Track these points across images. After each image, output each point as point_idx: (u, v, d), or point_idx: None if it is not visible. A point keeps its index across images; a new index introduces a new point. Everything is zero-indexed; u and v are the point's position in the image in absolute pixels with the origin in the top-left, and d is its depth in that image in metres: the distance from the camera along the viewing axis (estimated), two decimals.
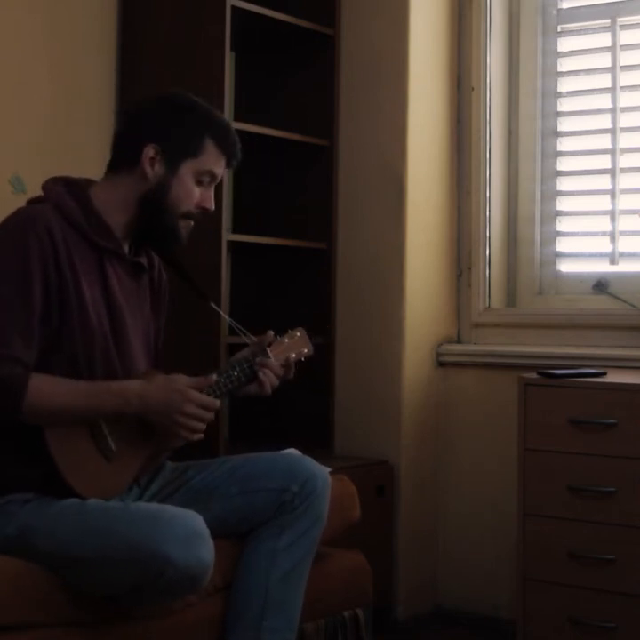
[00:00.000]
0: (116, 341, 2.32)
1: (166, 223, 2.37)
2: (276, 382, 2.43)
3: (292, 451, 2.56)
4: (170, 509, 2.15)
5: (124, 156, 2.39)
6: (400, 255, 3.47)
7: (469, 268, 3.61)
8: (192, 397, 2.25)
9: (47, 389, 2.17)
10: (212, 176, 2.40)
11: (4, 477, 2.21)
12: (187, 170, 2.36)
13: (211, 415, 2.28)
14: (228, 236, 3.23)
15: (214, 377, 2.32)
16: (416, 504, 3.50)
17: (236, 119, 3.38)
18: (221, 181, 3.14)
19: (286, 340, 2.50)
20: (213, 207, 2.43)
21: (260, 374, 2.40)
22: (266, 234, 3.44)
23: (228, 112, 3.21)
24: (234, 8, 3.21)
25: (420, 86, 3.50)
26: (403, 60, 3.48)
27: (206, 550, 2.11)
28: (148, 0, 3.39)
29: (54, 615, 2.12)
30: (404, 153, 3.47)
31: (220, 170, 2.41)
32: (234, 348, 3.44)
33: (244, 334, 2.47)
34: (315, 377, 3.56)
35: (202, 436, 2.29)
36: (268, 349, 2.43)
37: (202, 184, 2.39)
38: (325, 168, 3.58)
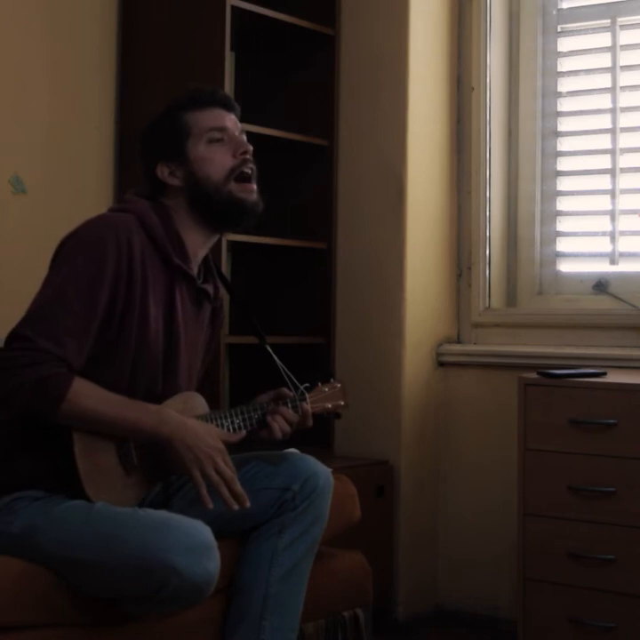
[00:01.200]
0: (165, 361, 2.32)
1: (221, 199, 2.35)
2: (288, 429, 2.42)
3: (293, 451, 2.56)
4: (178, 519, 2.13)
5: (155, 187, 2.40)
6: (400, 255, 3.47)
7: (469, 268, 3.61)
8: (226, 453, 2.25)
9: (87, 394, 2.16)
10: (220, 129, 2.37)
11: (20, 472, 2.20)
12: (194, 148, 2.35)
13: (223, 488, 2.23)
14: (227, 236, 3.23)
15: (244, 433, 2.35)
16: (416, 504, 3.50)
17: None
18: None
19: (326, 390, 2.53)
20: (249, 147, 2.38)
21: (269, 418, 2.40)
22: (266, 234, 3.44)
23: None
24: (234, 8, 3.22)
25: (420, 86, 3.50)
26: (403, 60, 3.48)
27: (213, 562, 2.10)
28: (147, 0, 3.39)
29: (55, 615, 2.12)
30: (404, 153, 3.47)
31: (222, 119, 2.38)
32: (233, 348, 3.45)
33: (289, 377, 2.47)
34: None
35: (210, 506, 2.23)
36: (308, 394, 2.46)
37: (220, 141, 2.36)
38: (325, 168, 3.58)
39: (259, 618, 2.31)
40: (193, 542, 2.07)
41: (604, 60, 3.52)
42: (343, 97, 3.59)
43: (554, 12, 3.63)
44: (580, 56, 3.60)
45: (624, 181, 3.47)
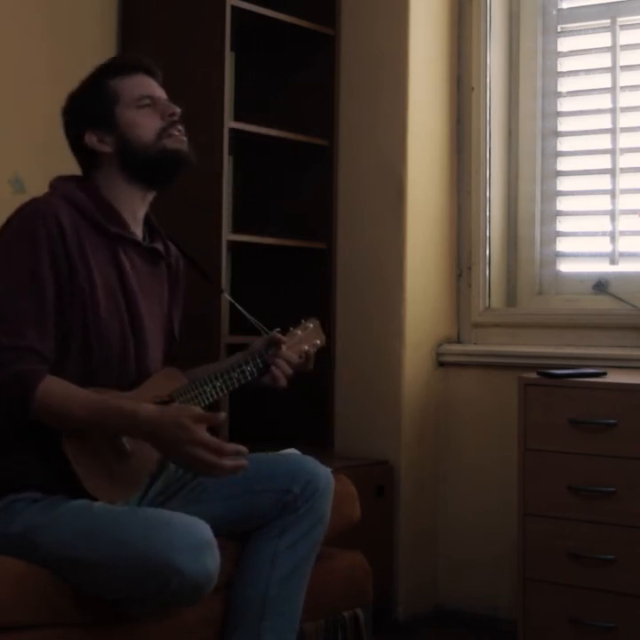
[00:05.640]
0: (132, 328, 2.32)
1: (155, 155, 2.36)
2: (290, 373, 2.45)
3: (293, 451, 2.56)
4: (177, 517, 2.12)
5: (84, 158, 2.43)
6: (400, 255, 3.47)
7: (469, 268, 3.61)
8: (197, 439, 2.12)
9: (57, 394, 2.14)
10: (149, 96, 2.39)
11: (15, 475, 2.19)
12: (123, 114, 2.37)
13: (217, 460, 2.13)
14: (228, 235, 3.24)
15: (223, 415, 2.24)
16: (416, 504, 3.50)
17: (236, 119, 3.38)
18: (218, 177, 3.16)
19: (299, 333, 2.52)
20: (177, 109, 2.40)
21: (273, 368, 2.42)
22: (266, 234, 3.44)
23: (228, 112, 3.21)
24: (234, 8, 3.22)
25: (419, 86, 3.50)
26: (403, 60, 3.48)
27: (213, 560, 2.09)
28: (147, 0, 3.39)
29: (55, 615, 2.12)
30: (404, 153, 3.47)
31: (150, 86, 2.41)
32: (233, 348, 3.44)
33: (259, 326, 2.48)
34: (315, 377, 3.56)
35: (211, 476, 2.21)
36: (283, 344, 2.45)
37: (148, 106, 2.39)
38: (325, 168, 3.58)
39: (258, 619, 2.30)
40: (192, 541, 2.06)
41: (604, 60, 3.52)
42: (343, 97, 3.59)
43: (554, 12, 3.63)
44: (580, 56, 3.60)
45: (624, 181, 3.47)
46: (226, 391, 2.39)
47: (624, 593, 2.81)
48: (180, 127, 2.40)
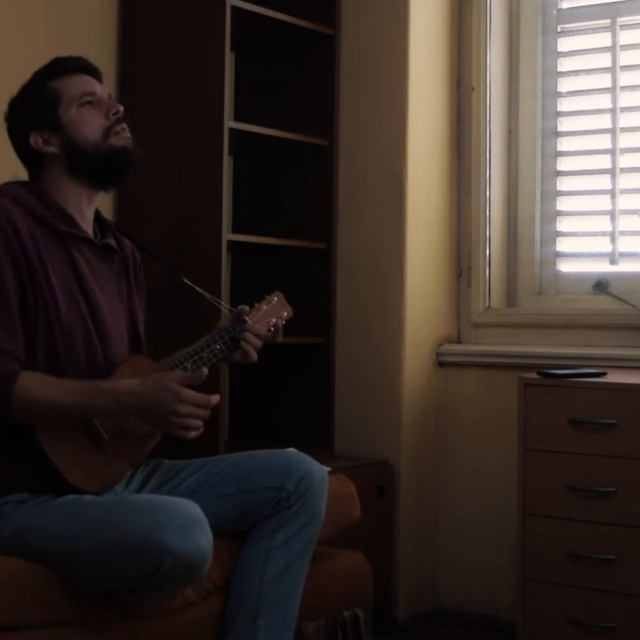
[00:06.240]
0: (94, 324, 2.32)
1: (103, 155, 2.37)
2: (260, 346, 2.45)
3: (292, 450, 2.56)
4: (166, 499, 2.14)
5: (30, 161, 2.42)
6: (400, 255, 3.47)
7: (469, 268, 3.61)
8: (185, 397, 2.20)
9: (35, 387, 2.16)
10: (90, 94, 2.40)
11: (2, 477, 2.20)
12: (66, 114, 2.37)
13: (206, 412, 2.23)
14: (228, 236, 3.23)
15: (205, 371, 2.28)
16: (416, 504, 3.50)
17: (236, 119, 3.38)
18: (218, 177, 3.16)
19: (264, 307, 2.53)
20: (120, 107, 2.41)
21: (242, 343, 2.43)
22: (266, 234, 3.44)
23: (228, 112, 3.21)
24: (234, 8, 3.21)
25: (419, 86, 3.50)
26: (403, 60, 3.48)
27: (205, 538, 2.10)
28: (147, 0, 3.39)
29: (54, 615, 2.12)
30: (403, 153, 3.47)
31: (90, 84, 2.42)
32: None
33: (220, 304, 2.48)
34: (315, 377, 3.57)
35: (199, 432, 2.25)
36: (247, 318, 2.45)
37: (91, 104, 2.39)
38: (325, 168, 3.58)
39: (253, 617, 2.31)
40: (182, 521, 2.07)
41: (604, 60, 3.52)
42: (343, 97, 3.59)
43: (554, 12, 3.63)
44: (580, 56, 3.60)
45: (624, 181, 3.47)
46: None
47: (624, 593, 2.81)
48: (124, 125, 2.41)
